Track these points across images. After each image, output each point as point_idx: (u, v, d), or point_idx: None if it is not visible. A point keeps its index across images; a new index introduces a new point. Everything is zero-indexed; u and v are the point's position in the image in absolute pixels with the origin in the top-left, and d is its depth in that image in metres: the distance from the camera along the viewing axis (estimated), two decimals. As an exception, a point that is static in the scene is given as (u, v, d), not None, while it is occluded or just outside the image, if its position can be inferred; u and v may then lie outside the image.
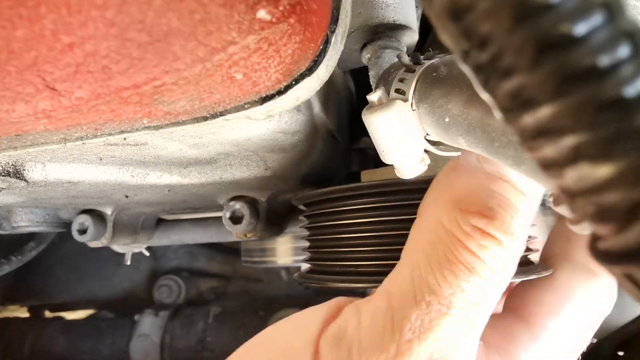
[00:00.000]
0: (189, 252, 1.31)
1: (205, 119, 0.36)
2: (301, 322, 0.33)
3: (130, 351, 1.06)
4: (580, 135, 0.13)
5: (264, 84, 0.32)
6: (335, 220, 0.43)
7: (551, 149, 0.14)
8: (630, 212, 0.13)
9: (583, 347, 0.37)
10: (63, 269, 1.28)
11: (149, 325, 1.08)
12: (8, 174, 0.47)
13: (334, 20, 0.34)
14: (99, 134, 0.38)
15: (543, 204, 0.65)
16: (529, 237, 0.43)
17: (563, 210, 0.28)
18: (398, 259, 0.39)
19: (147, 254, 0.95)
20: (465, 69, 0.16)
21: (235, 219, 0.64)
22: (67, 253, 1.27)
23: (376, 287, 0.39)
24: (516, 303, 0.38)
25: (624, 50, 0.12)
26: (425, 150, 0.38)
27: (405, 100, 0.35)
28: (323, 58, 0.34)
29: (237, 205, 0.64)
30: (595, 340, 0.37)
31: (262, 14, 0.25)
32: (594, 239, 0.16)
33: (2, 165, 0.47)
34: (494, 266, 0.27)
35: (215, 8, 0.24)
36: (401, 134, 0.36)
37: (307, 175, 0.58)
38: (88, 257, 1.28)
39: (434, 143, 0.37)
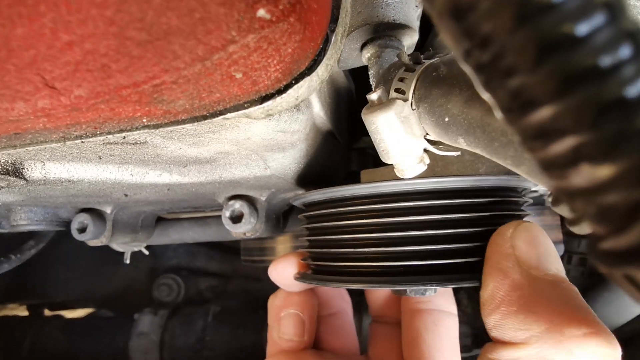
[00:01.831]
0: (189, 251, 1.31)
1: (205, 117, 0.35)
2: None
3: (130, 350, 1.06)
4: (581, 135, 0.13)
5: (264, 83, 0.32)
6: (335, 220, 0.43)
7: (552, 150, 0.14)
8: (630, 212, 0.13)
9: None
10: (62, 267, 1.28)
11: (148, 324, 1.08)
12: (7, 173, 0.47)
13: (334, 19, 0.34)
14: (98, 132, 0.38)
15: (542, 204, 0.65)
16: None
17: (562, 210, 0.28)
18: (398, 259, 0.39)
19: (146, 252, 0.95)
20: (467, 69, 0.16)
21: (235, 218, 0.64)
22: (66, 252, 1.27)
23: (375, 287, 0.40)
24: None
25: (625, 51, 0.12)
26: (425, 150, 0.37)
27: (405, 100, 0.35)
28: (323, 57, 0.33)
29: (237, 204, 0.64)
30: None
31: (262, 12, 0.25)
32: (594, 240, 0.16)
33: (1, 164, 0.47)
34: None
35: (215, 7, 0.24)
36: (401, 134, 0.36)
37: (306, 175, 0.58)
38: (87, 256, 1.28)
39: (433, 143, 0.37)
